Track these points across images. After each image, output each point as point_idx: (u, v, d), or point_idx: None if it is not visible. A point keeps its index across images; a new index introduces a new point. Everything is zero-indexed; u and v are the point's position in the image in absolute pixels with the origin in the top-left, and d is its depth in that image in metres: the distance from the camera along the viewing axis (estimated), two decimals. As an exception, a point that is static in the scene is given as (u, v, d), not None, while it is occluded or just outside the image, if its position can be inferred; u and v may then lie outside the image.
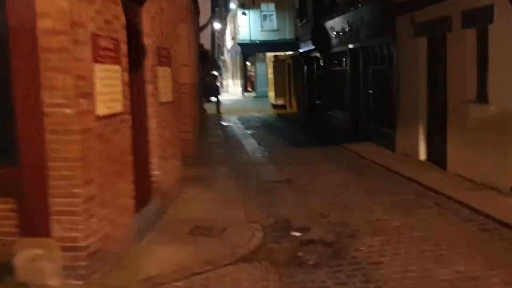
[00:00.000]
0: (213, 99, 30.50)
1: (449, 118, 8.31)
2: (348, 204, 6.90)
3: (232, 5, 43.47)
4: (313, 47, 17.99)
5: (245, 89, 43.85)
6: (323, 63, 17.97)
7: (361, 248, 5.13)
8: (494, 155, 6.95)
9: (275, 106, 26.83)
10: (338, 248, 5.15)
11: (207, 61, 23.06)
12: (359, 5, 12.46)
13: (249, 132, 17.01)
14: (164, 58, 6.26)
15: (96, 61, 4.08)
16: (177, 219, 5.83)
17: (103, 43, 4.25)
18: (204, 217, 5.94)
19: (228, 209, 6.36)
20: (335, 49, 15.95)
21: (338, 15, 14.82)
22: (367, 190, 7.64)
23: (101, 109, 4.15)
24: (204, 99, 33.31)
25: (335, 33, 15.37)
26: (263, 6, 39.93)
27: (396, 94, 10.59)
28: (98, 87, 4.10)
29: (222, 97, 40.34)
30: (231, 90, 50.55)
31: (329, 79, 17.10)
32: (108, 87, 4.33)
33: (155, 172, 5.92)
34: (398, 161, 9.66)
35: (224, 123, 20.15)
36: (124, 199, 4.62)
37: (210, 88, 35.43)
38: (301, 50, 21.02)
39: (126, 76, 4.78)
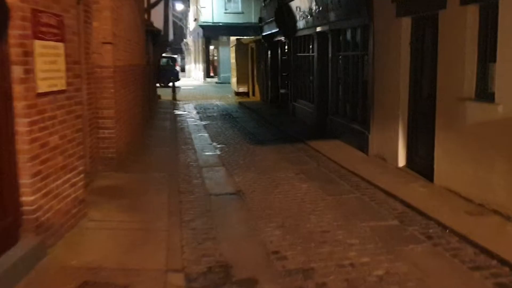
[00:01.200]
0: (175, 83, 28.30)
1: (438, 118, 6.67)
2: (314, 234, 5.13)
3: (195, -16, 41.13)
4: (277, 29, 16.13)
5: (207, 75, 41.77)
6: (288, 48, 16.15)
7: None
8: (502, 170, 5.34)
9: (237, 94, 24.96)
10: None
11: (163, 43, 20.81)
12: (330, -21, 10.65)
13: (203, 123, 15.07)
14: (50, 28, 4.26)
15: None
16: (58, 269, 3.91)
17: None
18: (102, 264, 4.03)
19: (143, 247, 4.48)
20: (301, 33, 14.14)
21: (305, -7, 12.98)
22: (339, 210, 5.91)
23: None
24: (161, 84, 31.26)
25: (301, 13, 13.54)
26: (228, -13, 37.93)
27: (371, 85, 8.89)
28: None
29: (183, 82, 38.24)
30: (193, 75, 48.36)
31: (295, 66, 15.32)
32: None
33: (28, 197, 3.96)
34: (372, 167, 7.99)
35: (178, 112, 18.11)
36: None
37: (169, 72, 33.26)
38: (264, 33, 19.10)
39: None
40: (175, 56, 44.42)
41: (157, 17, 19.31)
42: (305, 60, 14.21)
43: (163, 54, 41.73)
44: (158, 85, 30.37)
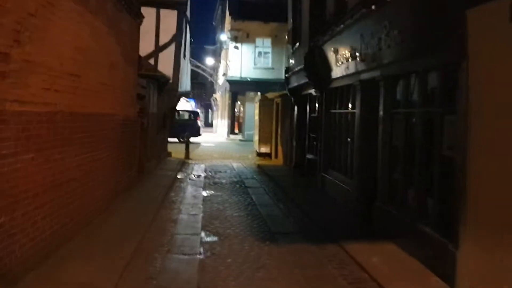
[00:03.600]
0: (195, 139, 25.28)
1: None
2: None
3: (224, 37, 39.25)
4: (306, 80, 12.78)
5: (231, 131, 38.89)
6: (319, 103, 12.67)
7: None
8: None
9: (259, 154, 21.56)
10: None
11: (172, 93, 17.82)
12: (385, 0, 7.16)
13: (205, 194, 11.53)
14: None
15: None
16: None
17: None
18: None
19: None
20: (337, 83, 10.70)
21: (345, 29, 9.62)
22: None
23: None
24: (180, 139, 28.22)
25: (338, 57, 10.15)
26: (258, 41, 35.89)
27: (461, 163, 5.16)
28: None
29: (205, 138, 35.25)
30: (219, 130, 45.64)
31: (327, 125, 11.75)
32: None
33: None
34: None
35: (181, 176, 14.64)
36: None
37: (190, 127, 30.46)
38: (290, 86, 15.79)
39: None
40: (197, 110, 42.03)
41: (166, 63, 16.47)
42: (342, 119, 10.67)
43: (188, 108, 39.39)
44: (177, 140, 27.60)
